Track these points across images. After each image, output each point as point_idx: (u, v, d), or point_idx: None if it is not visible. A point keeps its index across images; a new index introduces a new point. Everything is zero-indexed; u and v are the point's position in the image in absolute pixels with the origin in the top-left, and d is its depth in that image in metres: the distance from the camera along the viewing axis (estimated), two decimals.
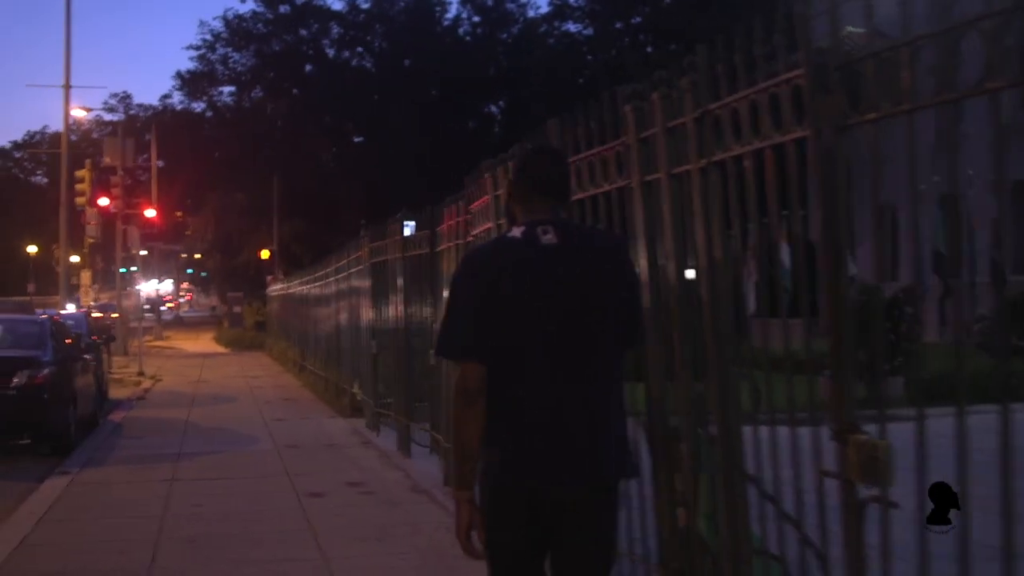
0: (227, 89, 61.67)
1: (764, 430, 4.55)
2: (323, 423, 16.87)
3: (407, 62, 57.55)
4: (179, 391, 23.43)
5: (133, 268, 45.35)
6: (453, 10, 60.69)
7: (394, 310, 13.31)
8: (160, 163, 57.85)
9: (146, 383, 25.80)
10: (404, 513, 9.41)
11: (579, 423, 3.69)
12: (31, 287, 72.02)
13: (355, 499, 10.23)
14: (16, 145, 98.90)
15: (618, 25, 55.28)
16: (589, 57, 55.13)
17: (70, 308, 33.68)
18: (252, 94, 61.32)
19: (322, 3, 59.43)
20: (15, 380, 13.23)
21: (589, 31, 56.86)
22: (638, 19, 55.22)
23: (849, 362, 3.89)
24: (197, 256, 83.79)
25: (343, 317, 18.74)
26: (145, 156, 57.04)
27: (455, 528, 3.80)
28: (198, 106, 62.11)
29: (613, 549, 4.00)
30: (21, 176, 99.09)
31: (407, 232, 12.62)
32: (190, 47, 65.51)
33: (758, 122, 4.30)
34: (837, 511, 3.88)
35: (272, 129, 57.98)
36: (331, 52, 60.68)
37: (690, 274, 5.09)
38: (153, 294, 74.70)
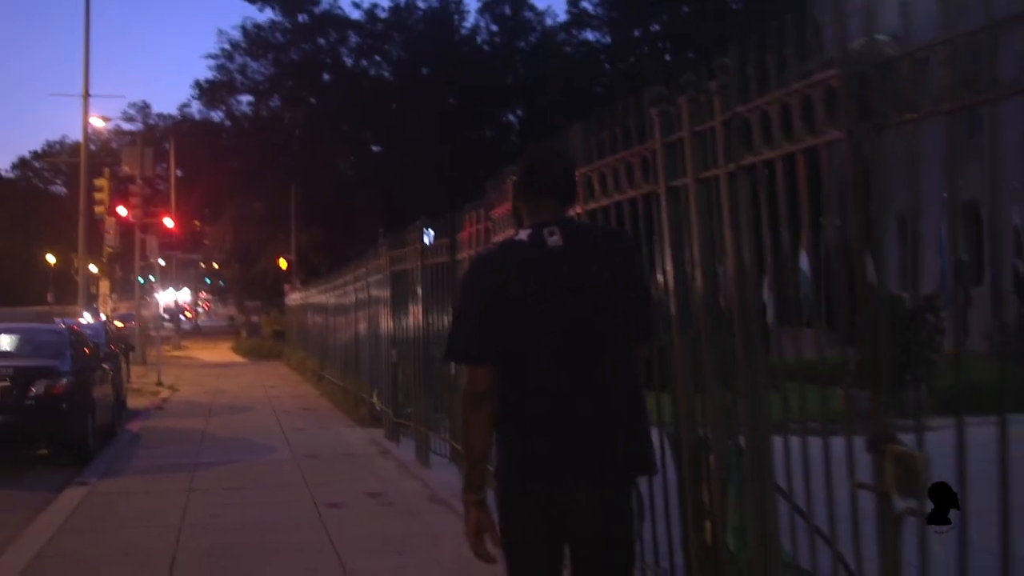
0: (245, 98, 61.93)
1: (795, 441, 4.43)
2: (341, 433, 16.77)
3: (425, 71, 57.61)
4: (197, 401, 23.40)
5: (151, 277, 45.35)
6: (471, 19, 60.79)
7: (413, 319, 13.21)
8: (178, 172, 58.16)
9: (164, 393, 25.77)
10: (423, 524, 9.31)
11: (587, 425, 3.65)
12: (50, 296, 72.22)
13: (374, 510, 10.13)
14: (36, 155, 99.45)
15: (637, 33, 55.26)
16: (607, 65, 55.09)
17: (86, 318, 33.62)
18: (270, 103, 61.50)
19: (340, 12, 59.64)
20: (33, 390, 13.19)
21: (607, 39, 56.87)
22: (657, 27, 55.15)
23: (885, 372, 3.78)
24: (215, 265, 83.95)
25: (362, 326, 18.65)
26: (164, 165, 57.27)
27: (465, 531, 3.78)
28: (216, 115, 62.40)
29: (631, 548, 3.94)
30: (40, 185, 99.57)
31: (427, 240, 12.52)
32: (208, 56, 65.59)
33: (790, 125, 4.18)
34: (872, 524, 3.77)
35: (290, 138, 58.13)
36: (349, 61, 60.80)
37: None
38: (171, 303, 74.76)
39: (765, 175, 4.50)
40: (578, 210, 6.36)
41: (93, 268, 48.39)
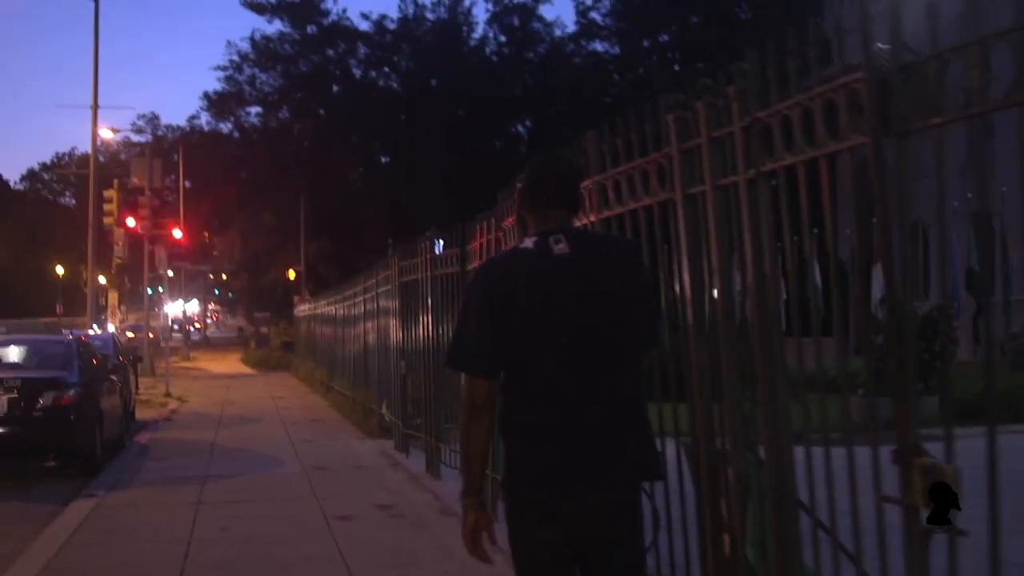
0: (254, 110, 62.08)
1: (817, 452, 4.33)
2: (351, 444, 16.68)
3: (434, 82, 57.68)
4: (206, 412, 23.33)
5: (160, 289, 45.35)
6: (480, 30, 60.84)
7: (423, 330, 13.13)
8: (187, 184, 58.24)
9: (173, 404, 25.71)
10: (434, 537, 9.20)
11: (595, 433, 3.65)
12: (59, 308, 72.42)
13: (384, 522, 10.03)
14: (45, 166, 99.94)
15: (645, 43, 55.26)
16: (616, 76, 55.06)
17: (95, 329, 33.63)
18: (279, 114, 61.62)
19: (349, 23, 59.71)
20: (41, 401, 13.13)
21: (616, 50, 56.86)
22: (665, 37, 55.15)
23: (911, 382, 3.68)
24: (224, 276, 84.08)
25: (371, 337, 18.57)
26: (172, 177, 57.35)
27: (462, 532, 3.80)
28: (225, 127, 62.58)
29: (641, 549, 3.97)
30: (50, 197, 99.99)
31: (437, 250, 12.45)
32: (217, 67, 65.87)
33: (812, 130, 4.09)
34: (898, 539, 3.66)
35: (299, 149, 58.17)
36: (358, 72, 60.88)
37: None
38: (180, 315, 74.91)
39: (775, 181, 4.41)
40: (592, 218, 6.28)
41: (102, 279, 48.42)
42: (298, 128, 59.90)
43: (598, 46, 58.19)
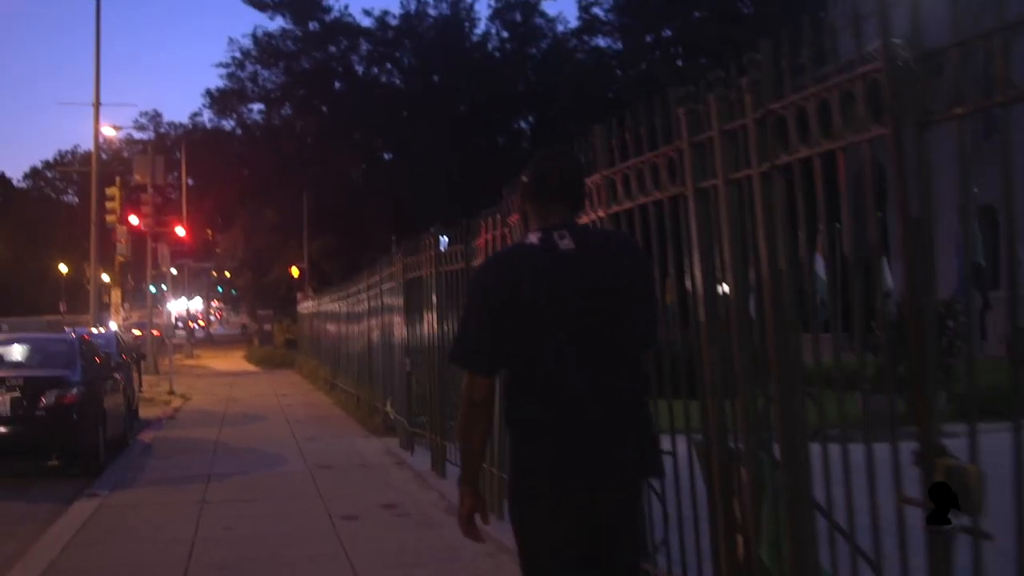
0: (256, 107, 62.09)
1: (835, 452, 4.23)
2: (355, 442, 16.59)
3: (436, 78, 57.62)
4: (209, 410, 23.25)
5: (163, 286, 45.28)
6: (482, 26, 60.75)
7: (428, 327, 13.04)
8: (190, 181, 58.14)
9: (176, 402, 25.61)
10: (440, 537, 9.10)
11: (593, 431, 3.65)
12: (63, 306, 72.39)
13: (390, 522, 9.95)
14: (47, 164, 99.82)
15: (648, 39, 55.13)
16: (619, 72, 54.91)
17: (100, 327, 33.53)
18: (281, 111, 61.62)
19: (351, 19, 59.63)
20: (44, 400, 13.04)
21: (618, 45, 56.75)
22: (668, 32, 55.01)
23: (933, 379, 3.58)
24: (227, 274, 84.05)
25: (375, 334, 18.49)
26: (175, 174, 57.27)
27: (459, 516, 3.89)
28: (228, 124, 62.59)
29: (641, 547, 4.22)
30: (52, 195, 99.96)
31: (442, 247, 12.36)
32: (220, 65, 65.84)
33: (828, 122, 3.99)
34: (920, 541, 3.56)
35: (301, 146, 58.16)
36: (360, 69, 60.84)
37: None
38: (182, 313, 74.88)
39: (802, 174, 4.31)
40: (600, 213, 6.19)
41: (105, 277, 48.36)
42: (300, 125, 59.87)
43: (600, 42, 58.20)
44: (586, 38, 58.26)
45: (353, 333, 22.31)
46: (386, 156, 61.07)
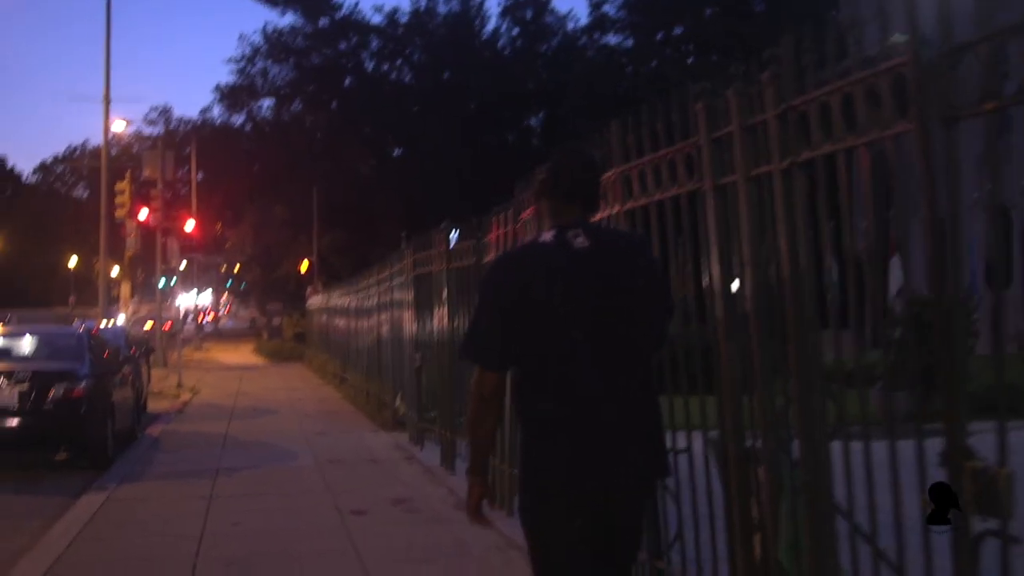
0: (267, 102, 62.01)
1: (854, 449, 4.16)
2: (365, 437, 16.56)
3: (446, 75, 57.54)
4: (218, 404, 23.24)
5: (173, 280, 45.29)
6: (492, 23, 60.70)
7: (438, 322, 13.00)
8: (200, 176, 58.10)
9: (185, 396, 25.59)
10: (450, 532, 9.06)
11: (608, 431, 3.66)
12: (72, 299, 72.51)
13: (399, 517, 9.90)
14: (57, 159, 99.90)
15: (659, 36, 54.96)
16: (629, 69, 54.76)
17: (110, 320, 33.54)
18: (291, 107, 61.53)
19: (361, 16, 59.56)
20: (52, 393, 13.03)
21: (629, 43, 56.54)
22: (679, 30, 54.84)
23: (962, 379, 3.51)
24: (236, 268, 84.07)
25: (385, 329, 18.45)
26: (185, 169, 57.29)
27: (467, 505, 4.00)
28: (238, 119, 62.47)
29: (640, 540, 4.21)
30: (62, 190, 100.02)
31: (453, 242, 12.32)
32: (230, 60, 65.85)
33: (852, 117, 3.92)
34: (945, 544, 3.49)
35: (311, 142, 58.12)
36: (370, 65, 60.74)
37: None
38: (193, 306, 74.97)
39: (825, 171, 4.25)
40: (616, 209, 6.13)
41: (115, 271, 48.38)
42: (310, 121, 59.84)
43: (611, 39, 57.90)
44: (596, 36, 58.07)
45: (363, 328, 22.27)
46: (396, 152, 60.95)
